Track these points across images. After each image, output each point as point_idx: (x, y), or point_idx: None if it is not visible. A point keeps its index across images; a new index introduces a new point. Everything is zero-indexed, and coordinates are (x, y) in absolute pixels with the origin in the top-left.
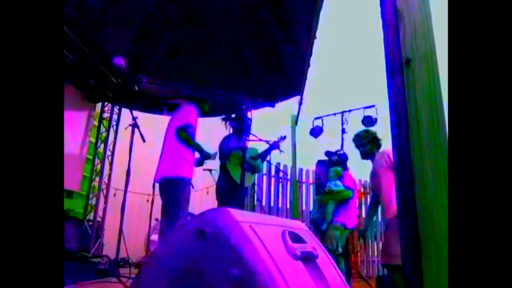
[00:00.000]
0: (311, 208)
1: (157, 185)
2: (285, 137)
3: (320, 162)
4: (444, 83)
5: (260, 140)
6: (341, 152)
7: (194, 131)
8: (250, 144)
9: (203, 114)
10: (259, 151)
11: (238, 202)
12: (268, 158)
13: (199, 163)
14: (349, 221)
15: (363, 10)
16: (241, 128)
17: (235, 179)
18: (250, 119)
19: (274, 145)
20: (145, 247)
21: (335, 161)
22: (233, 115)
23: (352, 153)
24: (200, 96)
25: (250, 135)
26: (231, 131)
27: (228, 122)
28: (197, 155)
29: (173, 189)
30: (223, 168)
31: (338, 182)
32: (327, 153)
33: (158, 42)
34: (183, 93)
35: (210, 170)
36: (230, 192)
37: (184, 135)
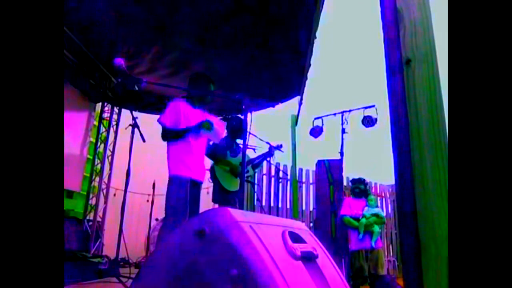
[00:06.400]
0: (311, 208)
1: (157, 185)
2: (281, 146)
3: (320, 162)
4: (444, 83)
5: (261, 139)
6: (367, 181)
7: (171, 122)
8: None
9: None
10: (251, 157)
11: (234, 206)
12: (268, 159)
13: (213, 151)
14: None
15: (363, 10)
16: (239, 131)
17: (224, 185)
18: (246, 122)
19: (269, 154)
20: (145, 247)
21: (362, 190)
22: (230, 117)
23: (352, 153)
24: (194, 93)
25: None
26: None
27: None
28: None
29: (168, 188)
30: (212, 173)
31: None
32: (354, 181)
33: (158, 42)
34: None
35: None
36: (223, 198)
37: (163, 135)
